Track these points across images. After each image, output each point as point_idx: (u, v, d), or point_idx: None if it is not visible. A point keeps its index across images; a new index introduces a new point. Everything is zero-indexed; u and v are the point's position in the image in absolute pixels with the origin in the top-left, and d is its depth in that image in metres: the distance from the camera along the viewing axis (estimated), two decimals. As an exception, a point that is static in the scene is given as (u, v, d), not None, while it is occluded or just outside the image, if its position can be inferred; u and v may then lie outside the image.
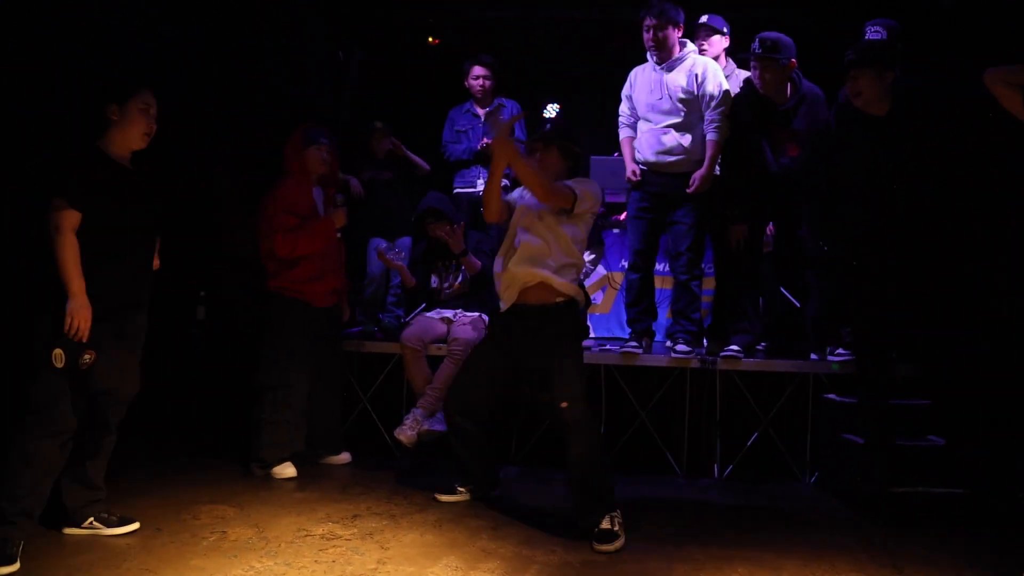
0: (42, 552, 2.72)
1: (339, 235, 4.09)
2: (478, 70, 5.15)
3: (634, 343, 4.31)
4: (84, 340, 2.71)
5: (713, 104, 4.15)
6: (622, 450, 4.30)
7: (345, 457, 4.16)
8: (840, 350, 4.10)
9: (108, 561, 2.67)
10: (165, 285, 3.31)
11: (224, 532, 2.99)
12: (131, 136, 2.94)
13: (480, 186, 5.09)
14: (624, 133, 4.49)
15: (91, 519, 2.95)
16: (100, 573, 2.56)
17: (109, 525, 2.96)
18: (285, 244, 3.82)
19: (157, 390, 4.02)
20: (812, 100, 4.08)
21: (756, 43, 3.98)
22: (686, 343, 4.24)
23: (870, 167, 3.48)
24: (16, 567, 2.56)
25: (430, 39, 6.48)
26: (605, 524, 3.00)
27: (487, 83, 5.15)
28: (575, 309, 3.33)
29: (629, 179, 4.39)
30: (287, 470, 3.85)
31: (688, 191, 4.16)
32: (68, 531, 2.93)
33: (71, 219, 2.75)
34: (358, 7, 5.85)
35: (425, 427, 4.07)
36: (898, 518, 3.34)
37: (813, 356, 4.21)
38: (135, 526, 2.99)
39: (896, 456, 3.46)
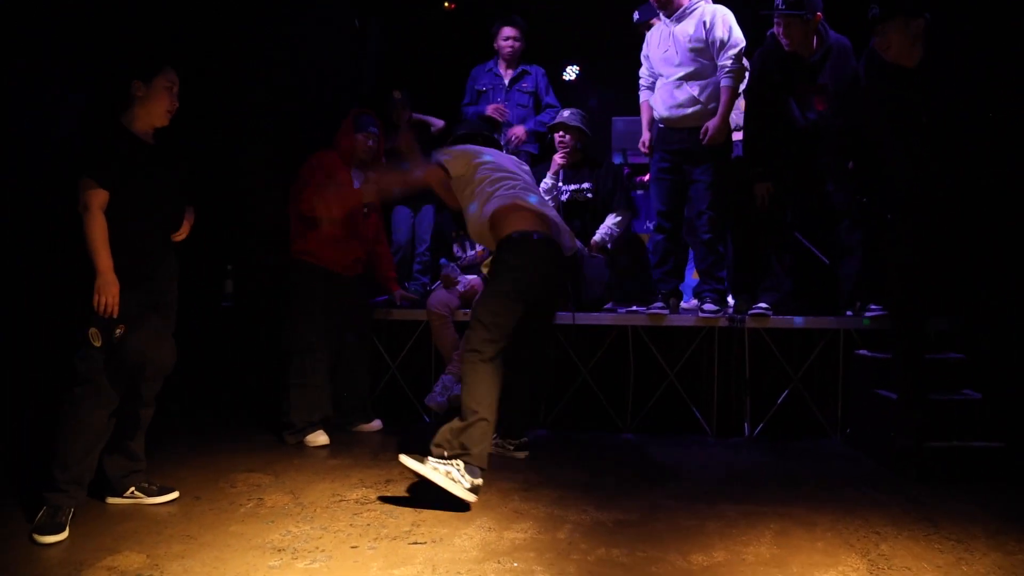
0: (87, 521, 2.78)
1: (365, 210, 4.10)
2: (508, 31, 5.11)
3: (660, 304, 4.29)
4: (115, 316, 2.76)
5: (724, 49, 4.06)
6: (651, 411, 4.30)
7: (376, 424, 4.21)
8: (873, 306, 4.04)
9: (151, 528, 2.74)
10: (193, 259, 3.35)
11: (261, 499, 3.05)
12: (155, 113, 2.95)
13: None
14: (643, 96, 4.46)
15: (132, 488, 3.02)
16: (144, 539, 2.63)
17: (150, 494, 3.02)
18: (307, 200, 3.85)
19: (190, 363, 4.10)
20: (839, 52, 3.98)
21: None
22: (713, 302, 4.21)
23: (903, 120, 3.39)
24: (65, 535, 2.63)
25: (446, 3, 6.40)
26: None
27: (516, 44, 5.10)
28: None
29: (641, 149, 4.37)
30: (319, 438, 3.91)
31: (702, 142, 4.09)
32: (111, 500, 3.00)
33: (99, 198, 2.78)
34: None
35: (455, 393, 4.09)
36: (933, 473, 3.31)
37: (848, 312, 4.15)
38: (175, 495, 3.05)
39: (931, 411, 3.42)
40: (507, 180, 3.43)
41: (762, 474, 3.50)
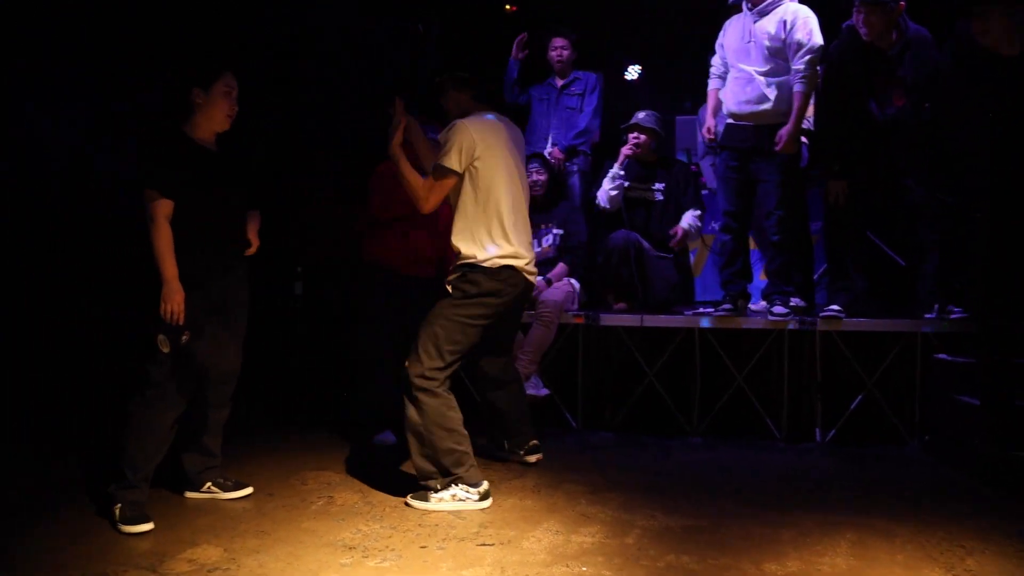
0: (167, 514, 2.88)
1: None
2: (557, 41, 5.14)
3: (729, 305, 4.21)
4: (181, 323, 2.81)
5: (801, 53, 3.95)
6: (719, 414, 4.22)
7: (390, 440, 4.23)
8: (954, 308, 3.89)
9: (227, 523, 2.82)
10: (263, 261, 3.42)
11: (331, 497, 3.10)
12: (215, 119, 2.99)
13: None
14: (712, 84, 4.38)
15: (209, 484, 3.11)
16: (221, 533, 2.70)
17: (225, 490, 3.11)
18: (378, 201, 3.90)
19: (263, 363, 4.20)
20: (919, 44, 3.83)
21: None
22: (783, 304, 4.11)
23: (999, 112, 3.22)
24: (151, 525, 2.73)
25: (507, 7, 6.41)
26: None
27: (564, 53, 5.12)
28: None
29: (704, 136, 4.29)
30: (388, 438, 3.96)
31: (775, 149, 3.99)
32: (189, 495, 3.10)
33: (164, 208, 2.84)
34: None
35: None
36: (1019, 483, 3.16)
37: (928, 315, 4.00)
38: (249, 490, 3.13)
39: (1018, 417, 3.27)
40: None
41: (836, 481, 3.40)
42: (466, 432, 3.05)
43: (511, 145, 3.21)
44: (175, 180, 2.86)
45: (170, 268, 2.82)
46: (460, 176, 3.09)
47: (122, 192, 3.85)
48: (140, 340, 2.92)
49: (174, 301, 2.80)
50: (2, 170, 3.60)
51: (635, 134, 4.61)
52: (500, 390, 3.49)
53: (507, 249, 3.08)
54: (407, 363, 3.00)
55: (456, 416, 3.02)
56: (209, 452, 3.12)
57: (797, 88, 3.97)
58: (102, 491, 2.89)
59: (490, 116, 3.21)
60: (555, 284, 4.31)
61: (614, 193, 4.60)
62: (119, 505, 2.78)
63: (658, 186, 4.65)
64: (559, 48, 5.14)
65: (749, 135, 4.12)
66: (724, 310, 4.18)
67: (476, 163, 3.07)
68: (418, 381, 2.95)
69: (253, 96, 3.29)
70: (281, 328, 4.92)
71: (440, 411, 2.97)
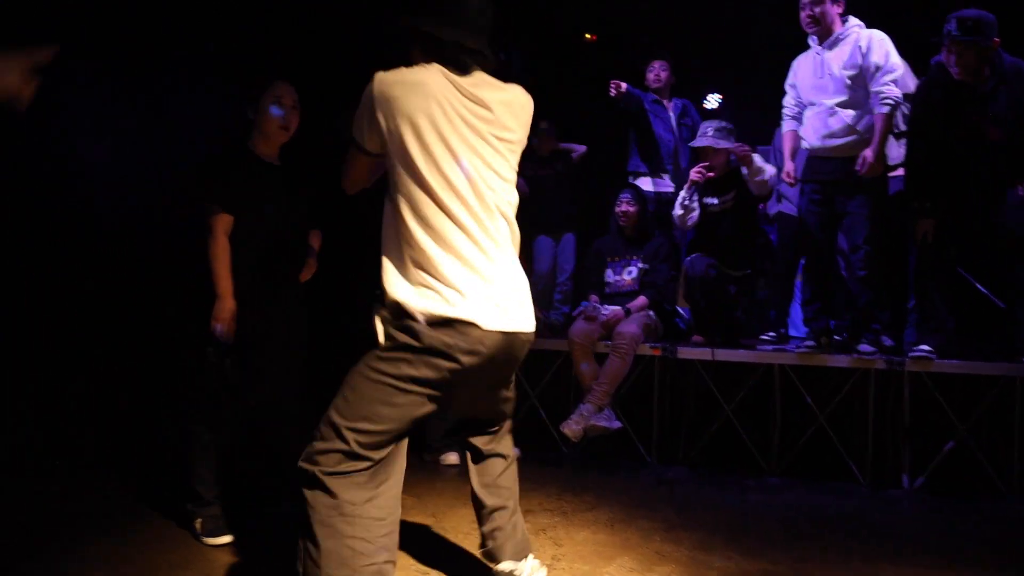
0: (249, 528, 2.95)
1: None
2: (655, 63, 5.18)
3: (811, 342, 4.09)
4: (231, 341, 2.80)
5: (879, 75, 3.86)
6: (799, 455, 4.09)
7: (514, 453, 4.22)
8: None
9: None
10: (323, 282, 3.45)
11: (403, 519, 3.12)
12: (270, 131, 2.95)
13: (650, 183, 5.07)
14: (787, 126, 4.30)
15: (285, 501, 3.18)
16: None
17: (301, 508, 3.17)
18: None
19: (328, 382, 4.28)
20: (1015, 76, 3.67)
21: (953, 24, 3.57)
22: (869, 342, 3.97)
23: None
24: (231, 537, 2.81)
25: (587, 36, 6.46)
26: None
27: (663, 74, 5.13)
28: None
29: (784, 179, 4.21)
30: (450, 457, 4.04)
31: (858, 172, 3.88)
32: (266, 513, 3.17)
33: (223, 222, 2.83)
34: (516, 7, 5.91)
35: (592, 422, 4.06)
36: None
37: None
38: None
39: None
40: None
41: (925, 532, 3.24)
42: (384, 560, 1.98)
43: (475, 122, 2.02)
44: (235, 195, 2.84)
45: (225, 284, 2.80)
46: (374, 156, 2.06)
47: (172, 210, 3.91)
48: (190, 354, 2.92)
49: (226, 319, 2.78)
50: (53, 182, 3.66)
51: (705, 163, 4.39)
52: (481, 463, 2.42)
53: (456, 298, 1.93)
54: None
55: (368, 525, 1.94)
56: (281, 470, 3.17)
57: (879, 111, 3.88)
58: (176, 505, 2.98)
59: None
60: (633, 315, 4.27)
61: (684, 215, 4.48)
62: (199, 520, 2.87)
63: (730, 197, 4.45)
64: (656, 68, 5.17)
65: (835, 167, 4.02)
66: (807, 347, 4.06)
67: (405, 141, 1.95)
68: (304, 465, 1.94)
69: (335, 112, 3.32)
70: (344, 350, 5.01)
71: (329, 515, 1.90)
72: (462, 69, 2.02)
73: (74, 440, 3.78)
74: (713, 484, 3.88)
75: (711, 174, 4.42)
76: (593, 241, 4.77)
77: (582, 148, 5.26)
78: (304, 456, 1.94)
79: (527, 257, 5.04)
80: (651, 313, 4.35)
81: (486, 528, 2.34)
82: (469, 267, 1.95)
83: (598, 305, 4.38)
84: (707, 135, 4.40)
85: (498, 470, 2.36)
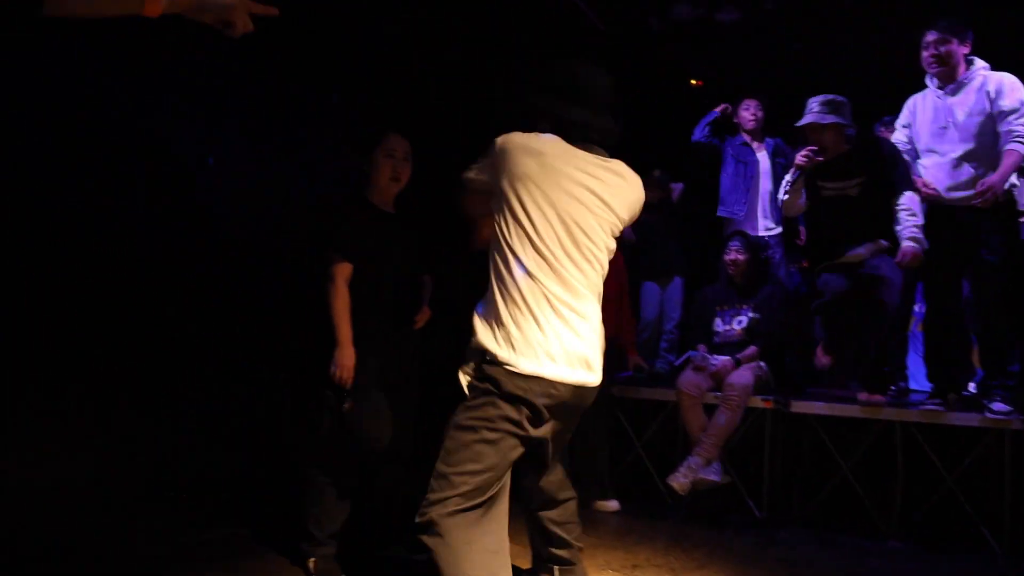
0: (362, 570, 3.01)
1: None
2: (749, 102, 5.05)
3: (938, 399, 3.86)
4: (348, 388, 2.86)
5: (1013, 117, 3.63)
6: (926, 520, 3.84)
7: (613, 505, 4.16)
8: None
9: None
10: (436, 331, 3.52)
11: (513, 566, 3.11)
12: (382, 182, 3.05)
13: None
14: None
15: (396, 545, 3.22)
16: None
17: (412, 551, 3.20)
18: None
19: (437, 428, 4.33)
20: None
21: None
22: (1003, 400, 3.71)
23: None
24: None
25: (693, 81, 6.44)
26: None
27: (759, 114, 5.01)
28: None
29: (923, 189, 3.97)
30: (611, 504, 4.05)
31: (974, 202, 3.64)
32: (378, 555, 3.22)
33: (344, 271, 2.92)
34: (625, 54, 5.96)
35: (700, 476, 3.95)
36: None
37: None
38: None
39: None
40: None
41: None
42: None
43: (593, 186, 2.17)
44: (354, 244, 2.93)
45: (345, 331, 2.87)
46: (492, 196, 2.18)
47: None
48: (309, 398, 3.02)
49: (346, 366, 2.85)
50: (182, 228, 3.83)
51: (813, 146, 3.86)
52: (554, 508, 2.60)
53: (541, 355, 2.08)
54: None
55: (487, 561, 2.08)
56: (393, 513, 3.20)
57: (1012, 147, 3.62)
58: (291, 544, 3.05)
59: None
60: (744, 366, 4.16)
61: (790, 200, 4.03)
62: (313, 559, 2.93)
63: (855, 182, 3.84)
64: (752, 107, 5.04)
65: (963, 217, 3.81)
66: (933, 405, 3.84)
67: (518, 201, 2.10)
68: (422, 516, 2.07)
69: (439, 161, 3.40)
70: (454, 395, 5.07)
71: (452, 556, 2.02)
72: (584, 145, 2.18)
73: (194, 472, 3.94)
74: (829, 546, 3.68)
75: (819, 158, 3.87)
76: (701, 288, 4.69)
77: (679, 186, 5.22)
78: (422, 508, 2.07)
79: (633, 303, 5.01)
80: (762, 364, 4.22)
81: (571, 556, 2.59)
82: (562, 320, 2.11)
83: (707, 355, 4.28)
84: (812, 111, 3.86)
85: (571, 508, 2.62)
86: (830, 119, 3.80)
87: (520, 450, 2.13)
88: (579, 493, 4.05)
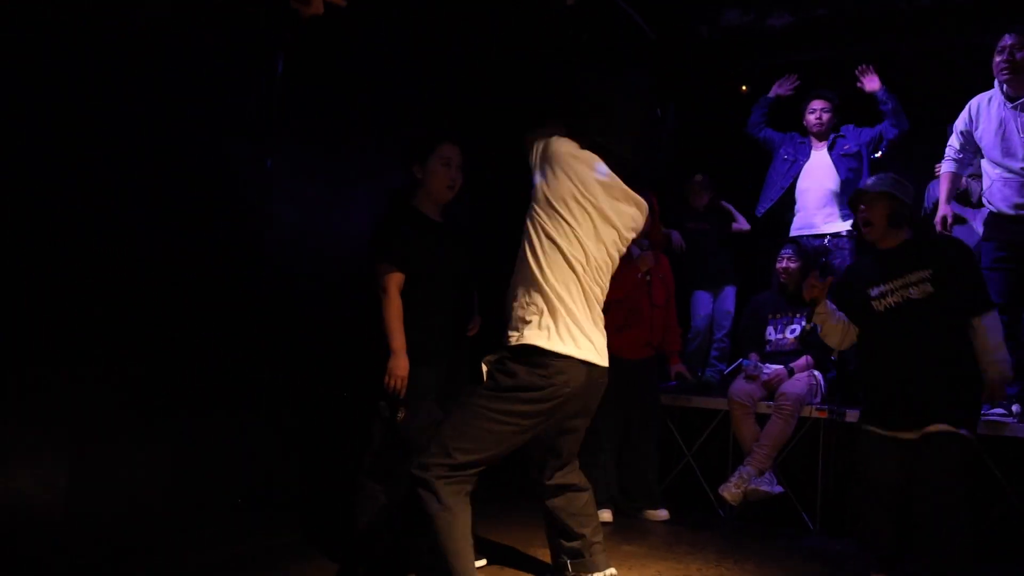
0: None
1: (647, 277, 4.04)
2: (816, 103, 4.84)
3: (1000, 410, 3.75)
4: (401, 395, 2.89)
5: None
6: (990, 532, 3.72)
7: (662, 514, 4.12)
8: None
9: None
10: (489, 340, 3.52)
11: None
12: (436, 190, 3.06)
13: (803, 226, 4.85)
14: (947, 167, 3.96)
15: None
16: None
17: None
18: None
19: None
20: None
21: None
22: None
23: None
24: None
25: (743, 87, 6.37)
26: None
27: (824, 116, 4.81)
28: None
29: (936, 225, 3.86)
30: (603, 514, 3.93)
31: None
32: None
33: (395, 280, 2.94)
34: (675, 62, 5.93)
35: (752, 486, 3.91)
36: None
37: None
38: (483, 562, 3.22)
39: None
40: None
41: None
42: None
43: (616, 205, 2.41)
44: (405, 252, 2.94)
45: (398, 340, 2.89)
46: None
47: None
48: (364, 408, 3.05)
49: (398, 376, 2.87)
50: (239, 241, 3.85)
51: (861, 207, 3.42)
52: (562, 497, 2.63)
53: (566, 337, 2.32)
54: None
55: (464, 530, 2.29)
56: None
57: None
58: (343, 552, 3.11)
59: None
60: (797, 375, 4.10)
61: (834, 335, 3.36)
62: (363, 568, 2.98)
63: (918, 275, 3.08)
64: (818, 111, 4.80)
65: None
66: (996, 415, 3.72)
67: (568, 195, 2.32)
68: (416, 471, 2.28)
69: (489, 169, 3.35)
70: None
71: (439, 511, 2.24)
72: (613, 166, 2.38)
73: (251, 480, 4.01)
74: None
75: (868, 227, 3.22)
76: (752, 296, 4.63)
77: (747, 226, 5.12)
78: (417, 464, 2.30)
79: (683, 312, 4.97)
80: (816, 373, 4.16)
81: (581, 547, 2.58)
82: (592, 312, 2.40)
83: (760, 364, 4.23)
84: (867, 183, 3.30)
85: (583, 500, 2.62)
86: (879, 188, 3.15)
87: (521, 439, 2.33)
88: (628, 503, 4.09)
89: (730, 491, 3.93)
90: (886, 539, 3.07)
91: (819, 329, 3.34)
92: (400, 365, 2.90)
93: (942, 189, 4.02)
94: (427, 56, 4.65)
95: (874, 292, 3.11)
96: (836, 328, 3.25)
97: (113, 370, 3.27)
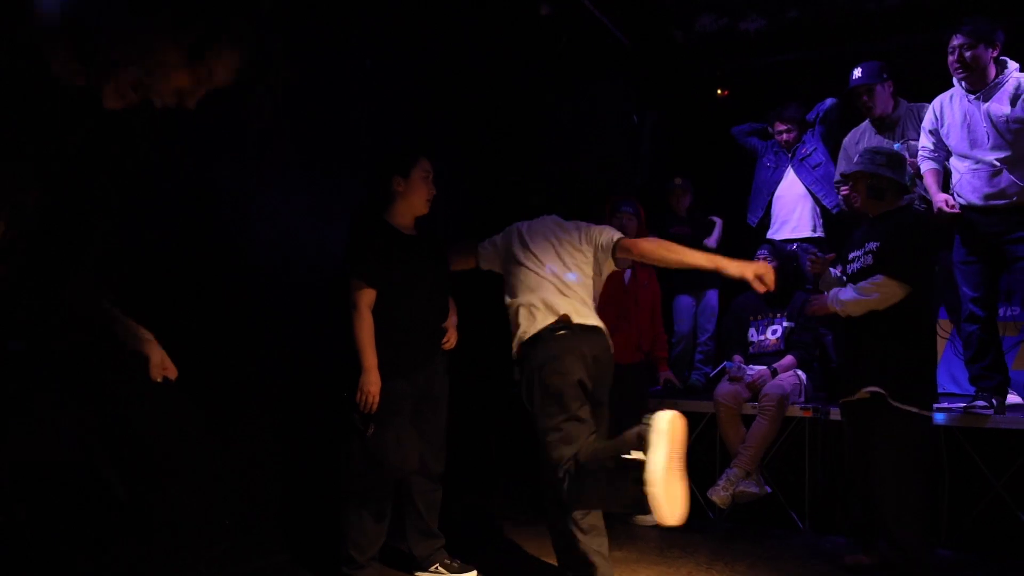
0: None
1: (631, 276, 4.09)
2: (780, 126, 5.03)
3: (982, 403, 3.79)
4: (373, 412, 2.92)
5: None
6: (973, 526, 3.76)
7: (652, 519, 4.12)
8: None
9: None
10: (478, 347, 3.50)
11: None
12: (415, 204, 3.11)
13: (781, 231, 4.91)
14: (927, 165, 3.95)
15: (436, 564, 3.24)
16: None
17: (451, 571, 3.23)
18: None
19: (480, 447, 4.36)
20: None
21: None
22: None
23: None
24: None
25: (719, 91, 6.42)
26: None
27: (790, 136, 4.99)
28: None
29: (941, 210, 3.90)
30: (647, 518, 3.93)
31: None
32: (417, 574, 3.25)
33: (366, 297, 2.96)
34: (650, 68, 5.96)
35: (740, 488, 3.93)
36: None
37: None
38: (473, 573, 3.23)
39: None
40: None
41: None
42: None
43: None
44: (377, 268, 2.97)
45: (370, 358, 2.92)
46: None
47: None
48: (341, 423, 3.07)
49: (370, 392, 2.90)
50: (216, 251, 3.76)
51: (846, 186, 3.81)
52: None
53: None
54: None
55: None
56: (432, 533, 3.24)
57: None
58: (332, 569, 3.09)
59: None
60: (781, 375, 4.13)
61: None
62: None
63: (870, 246, 3.40)
64: (783, 132, 5.01)
65: (998, 221, 3.72)
66: (978, 408, 3.77)
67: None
68: (559, 473, 2.72)
69: (466, 178, 3.31)
70: (497, 413, 5.08)
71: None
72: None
73: (236, 500, 3.98)
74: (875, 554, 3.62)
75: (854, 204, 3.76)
76: (733, 299, 4.67)
77: (713, 245, 5.19)
78: (555, 468, 2.69)
79: (666, 317, 5.00)
80: (799, 372, 4.19)
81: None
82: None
83: (743, 365, 4.26)
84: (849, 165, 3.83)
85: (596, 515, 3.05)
86: (857, 167, 3.42)
87: (579, 401, 2.81)
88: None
89: (719, 494, 3.95)
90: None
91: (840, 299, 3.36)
92: (371, 381, 2.92)
93: (930, 184, 3.99)
94: (404, 68, 4.65)
95: (850, 256, 3.44)
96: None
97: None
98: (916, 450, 3.16)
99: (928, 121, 3.96)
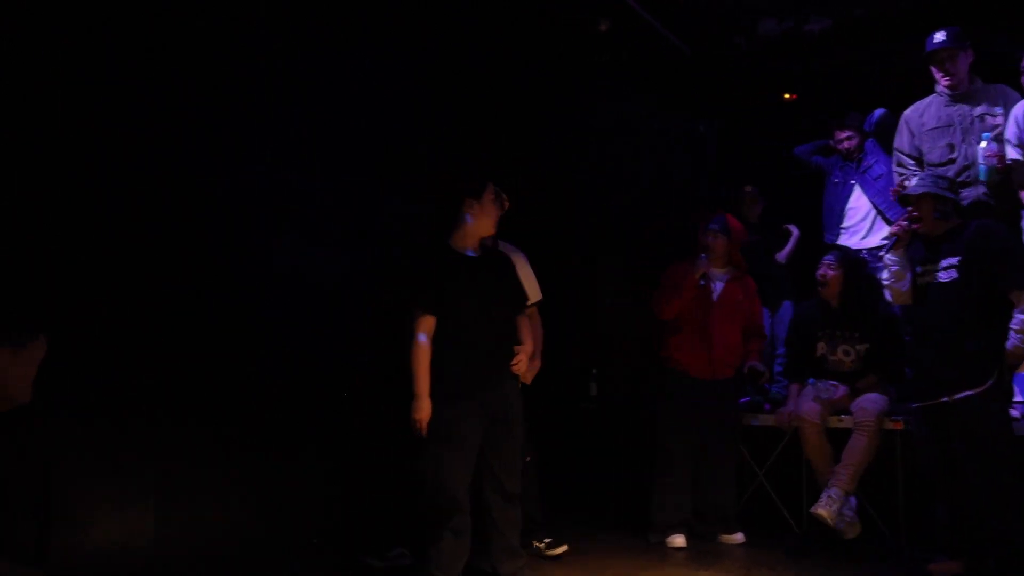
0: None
1: (701, 282, 4.01)
2: (840, 134, 4.91)
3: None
4: (424, 435, 2.96)
5: None
6: None
7: (739, 537, 4.04)
8: None
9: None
10: (559, 362, 3.47)
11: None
12: (485, 225, 3.14)
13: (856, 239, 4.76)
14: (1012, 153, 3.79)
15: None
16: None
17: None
18: (656, 302, 4.04)
19: (558, 464, 4.32)
20: None
21: None
22: None
23: None
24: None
25: (786, 95, 6.28)
26: None
27: (851, 144, 4.87)
28: None
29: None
30: (677, 540, 3.91)
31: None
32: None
33: (425, 324, 3.00)
34: (711, 77, 5.87)
35: (843, 512, 3.69)
36: None
37: None
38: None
39: None
40: None
41: None
42: None
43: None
44: (437, 295, 2.99)
45: (422, 385, 2.97)
46: None
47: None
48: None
49: (420, 418, 2.96)
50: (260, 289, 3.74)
51: (908, 208, 3.43)
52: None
53: None
54: None
55: None
56: (516, 552, 3.22)
57: None
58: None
59: None
60: (867, 395, 3.92)
61: (895, 286, 3.48)
62: None
63: (947, 262, 3.29)
64: (844, 140, 4.89)
65: None
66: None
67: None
68: None
69: (538, 194, 3.31)
70: (574, 428, 5.06)
71: None
72: None
73: (324, 518, 4.01)
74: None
75: (916, 225, 3.39)
76: (796, 307, 4.54)
77: (783, 260, 5.10)
78: None
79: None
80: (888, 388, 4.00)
81: None
82: None
83: (831, 386, 4.03)
84: (909, 184, 3.61)
85: None
86: (922, 189, 3.38)
87: None
88: (702, 527, 4.01)
89: (828, 509, 3.62)
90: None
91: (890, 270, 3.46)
92: (421, 408, 2.97)
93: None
94: (470, 83, 4.67)
95: (919, 270, 3.43)
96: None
97: (189, 415, 3.32)
98: (1007, 446, 3.17)
99: (1011, 131, 3.70)
